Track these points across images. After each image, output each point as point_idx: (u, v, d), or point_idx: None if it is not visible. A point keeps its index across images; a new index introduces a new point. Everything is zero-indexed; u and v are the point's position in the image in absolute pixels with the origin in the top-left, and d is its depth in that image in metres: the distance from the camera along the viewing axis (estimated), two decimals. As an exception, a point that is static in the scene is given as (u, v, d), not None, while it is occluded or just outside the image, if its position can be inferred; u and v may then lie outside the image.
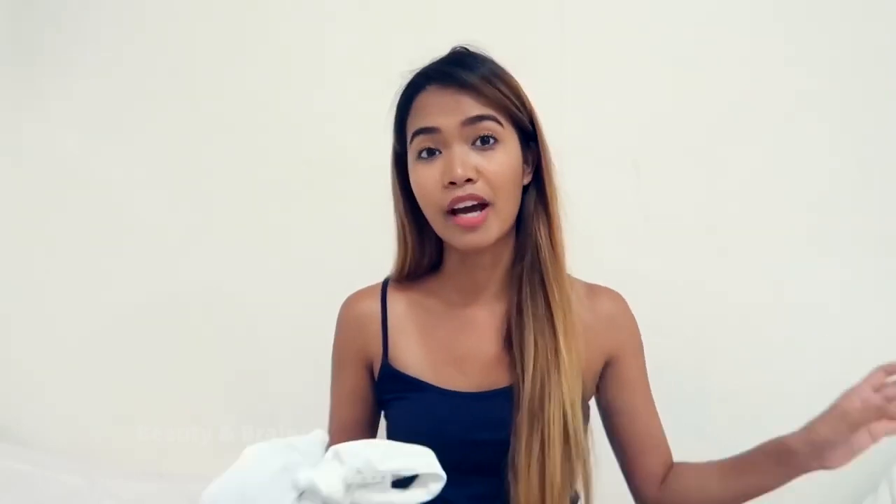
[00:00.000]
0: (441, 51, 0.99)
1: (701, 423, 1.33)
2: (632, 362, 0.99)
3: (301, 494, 0.71)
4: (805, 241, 1.34)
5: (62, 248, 1.52)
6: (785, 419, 1.32)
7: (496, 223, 0.90)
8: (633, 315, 1.01)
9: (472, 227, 0.88)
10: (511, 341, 0.93)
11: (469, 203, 0.88)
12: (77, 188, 1.52)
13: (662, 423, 1.02)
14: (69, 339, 1.51)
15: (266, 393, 1.44)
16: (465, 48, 0.97)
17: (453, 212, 0.89)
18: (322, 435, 0.78)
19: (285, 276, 1.45)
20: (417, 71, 0.95)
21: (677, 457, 1.03)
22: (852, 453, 0.85)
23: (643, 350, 1.01)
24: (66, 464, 1.37)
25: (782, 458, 0.89)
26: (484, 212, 0.89)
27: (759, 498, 1.32)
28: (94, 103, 1.52)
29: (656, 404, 1.02)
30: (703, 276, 1.35)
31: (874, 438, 0.83)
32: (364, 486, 0.72)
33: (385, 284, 1.03)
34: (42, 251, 1.53)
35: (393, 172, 1.00)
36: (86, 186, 1.52)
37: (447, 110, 0.89)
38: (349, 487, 0.71)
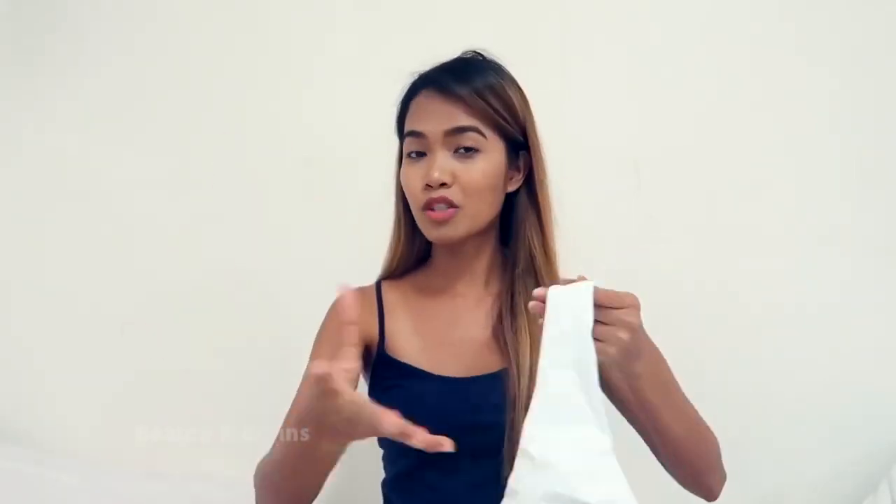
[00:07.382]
0: (441, 51, 1.00)
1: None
2: None
3: None
4: (806, 242, 1.34)
5: (61, 248, 1.52)
6: (786, 419, 1.33)
7: (465, 223, 0.97)
8: None
9: (440, 222, 0.96)
10: (501, 325, 0.98)
11: (442, 205, 0.96)
12: (76, 188, 1.52)
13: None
14: (69, 340, 1.50)
15: (266, 393, 1.43)
16: (476, 53, 1.02)
17: (429, 208, 0.97)
18: None
19: (284, 277, 1.45)
20: (420, 73, 1.01)
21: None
22: None
23: None
24: (66, 464, 1.36)
25: None
26: (452, 211, 0.96)
27: (759, 499, 1.34)
28: (94, 103, 1.51)
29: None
30: (703, 276, 1.35)
31: None
32: None
33: (378, 283, 1.08)
34: (41, 251, 1.52)
35: (397, 165, 1.05)
36: (85, 186, 1.51)
37: (434, 117, 0.97)
38: None
